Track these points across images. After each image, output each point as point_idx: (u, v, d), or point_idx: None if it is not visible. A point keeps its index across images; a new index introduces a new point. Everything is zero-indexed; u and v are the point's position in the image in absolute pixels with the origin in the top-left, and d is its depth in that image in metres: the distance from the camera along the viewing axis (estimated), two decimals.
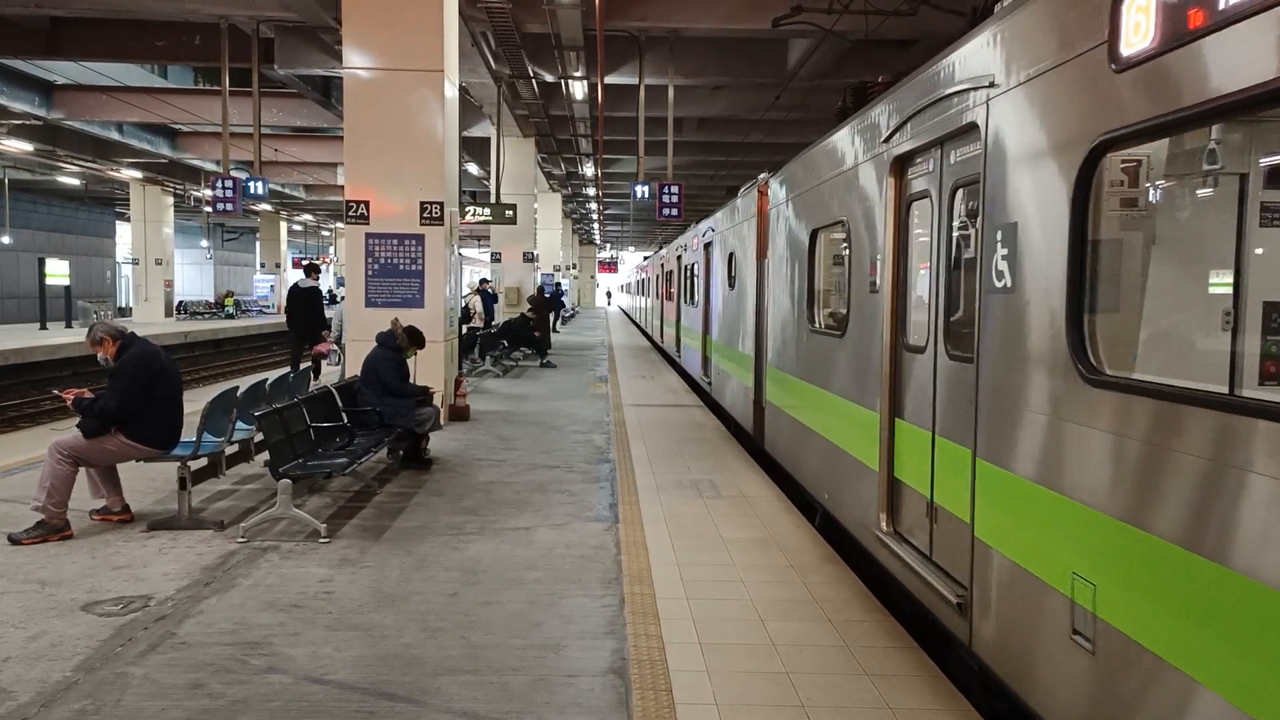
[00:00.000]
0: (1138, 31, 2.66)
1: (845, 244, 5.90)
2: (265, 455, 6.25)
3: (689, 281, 16.20)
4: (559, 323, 31.14)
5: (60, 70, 19.60)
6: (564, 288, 37.26)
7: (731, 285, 10.99)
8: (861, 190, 5.48)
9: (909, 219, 4.85)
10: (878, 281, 5.10)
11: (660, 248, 28.62)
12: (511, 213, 19.82)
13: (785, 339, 7.83)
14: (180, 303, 37.37)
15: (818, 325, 6.78)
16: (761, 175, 9.20)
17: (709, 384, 13.31)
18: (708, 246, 13.37)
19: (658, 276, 25.18)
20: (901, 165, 4.85)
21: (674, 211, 14.94)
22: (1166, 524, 2.57)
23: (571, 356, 20.98)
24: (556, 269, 34.12)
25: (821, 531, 6.31)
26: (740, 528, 6.28)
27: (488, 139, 20.57)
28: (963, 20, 5.37)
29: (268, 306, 42.93)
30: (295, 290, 13.95)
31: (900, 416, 4.86)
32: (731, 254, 10.98)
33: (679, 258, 18.06)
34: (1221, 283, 2.80)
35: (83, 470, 6.01)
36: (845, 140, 5.90)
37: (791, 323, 7.52)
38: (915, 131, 4.53)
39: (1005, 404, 3.52)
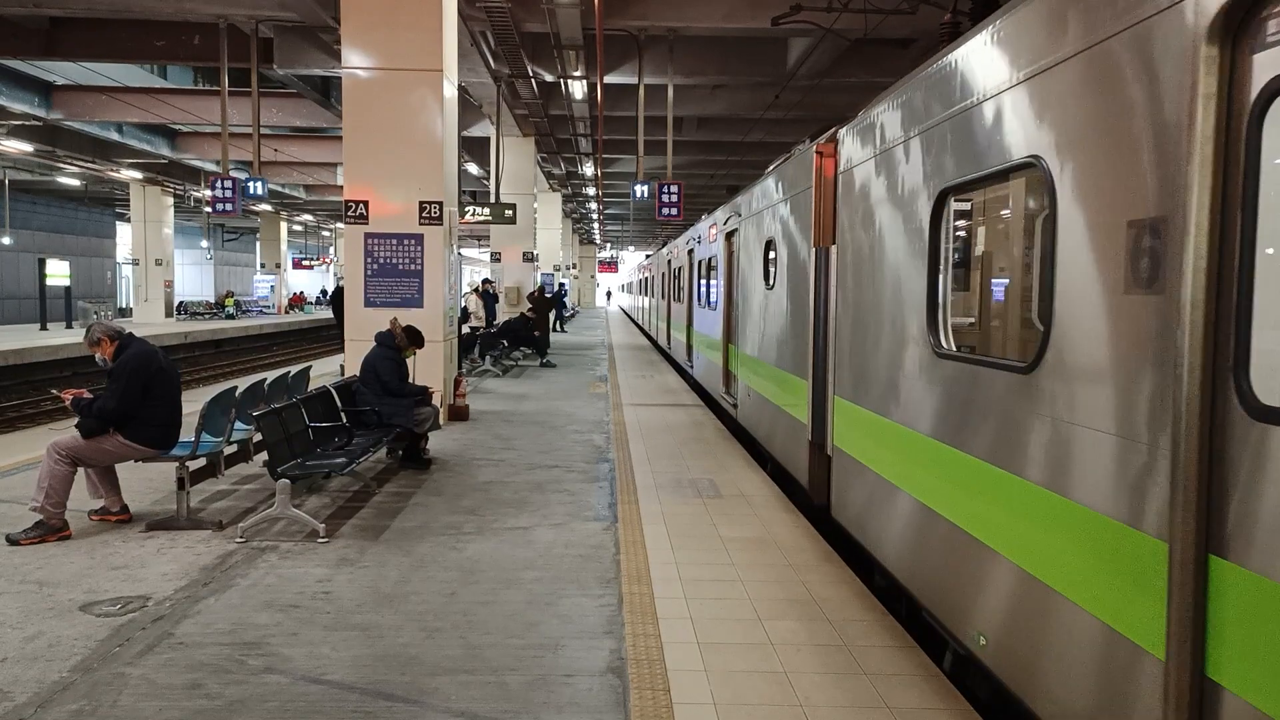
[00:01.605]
0: None
1: (1031, 204, 3.76)
2: (264, 455, 6.24)
3: (704, 279, 13.89)
4: (560, 323, 31.07)
5: (60, 70, 19.60)
6: (565, 288, 37.26)
7: (769, 283, 8.51)
8: (1089, 100, 3.01)
9: (1259, 137, 2.31)
10: (1156, 269, 2.64)
11: (662, 245, 28.12)
12: (511, 212, 19.83)
13: (878, 364, 5.20)
14: (180, 303, 37.43)
15: (948, 347, 4.25)
16: (807, 141, 7.21)
17: (734, 406, 10.62)
18: (730, 236, 11.06)
19: (664, 275, 22.27)
20: (1245, 25, 2.35)
21: (674, 211, 14.98)
22: None
23: (571, 356, 20.99)
24: (556, 269, 34.10)
25: (954, 679, 4.14)
26: (739, 527, 6.28)
27: (487, 139, 20.58)
28: (963, 19, 5.33)
29: (268, 307, 43.00)
30: (340, 289, 14.67)
31: (1231, 558, 2.33)
32: (770, 242, 8.50)
33: (690, 251, 15.76)
34: None
35: (81, 470, 6.02)
36: (1039, 14, 3.32)
37: (891, 340, 4.96)
38: None
39: None
